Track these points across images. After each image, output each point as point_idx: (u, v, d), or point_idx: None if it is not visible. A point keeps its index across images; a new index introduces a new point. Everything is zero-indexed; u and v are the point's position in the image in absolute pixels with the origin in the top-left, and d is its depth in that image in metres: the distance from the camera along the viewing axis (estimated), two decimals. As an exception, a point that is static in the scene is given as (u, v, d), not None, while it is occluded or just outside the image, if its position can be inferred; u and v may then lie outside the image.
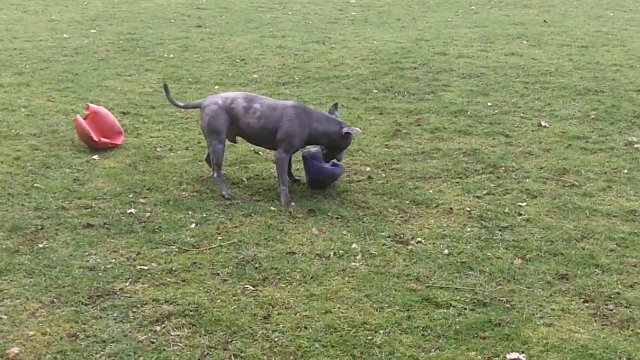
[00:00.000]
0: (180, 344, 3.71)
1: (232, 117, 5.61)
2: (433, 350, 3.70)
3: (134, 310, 4.01)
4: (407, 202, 5.49)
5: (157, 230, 4.96)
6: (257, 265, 4.53)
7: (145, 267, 4.46)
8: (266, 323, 3.91)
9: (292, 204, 5.43)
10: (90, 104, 6.77)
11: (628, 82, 8.74)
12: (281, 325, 3.89)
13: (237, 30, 12.15)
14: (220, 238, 4.87)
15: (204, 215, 5.20)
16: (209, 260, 4.58)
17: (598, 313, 4.06)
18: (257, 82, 8.92)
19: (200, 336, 3.78)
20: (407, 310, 4.06)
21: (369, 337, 3.80)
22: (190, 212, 5.24)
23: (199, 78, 9.03)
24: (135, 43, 10.98)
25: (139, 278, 4.35)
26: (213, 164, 5.68)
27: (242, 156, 6.37)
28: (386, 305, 4.11)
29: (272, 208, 5.35)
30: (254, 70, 9.46)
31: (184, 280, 4.33)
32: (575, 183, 5.83)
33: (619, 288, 4.30)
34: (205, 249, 4.72)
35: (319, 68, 9.56)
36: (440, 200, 5.50)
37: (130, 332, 3.81)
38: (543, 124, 7.24)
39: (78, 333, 3.79)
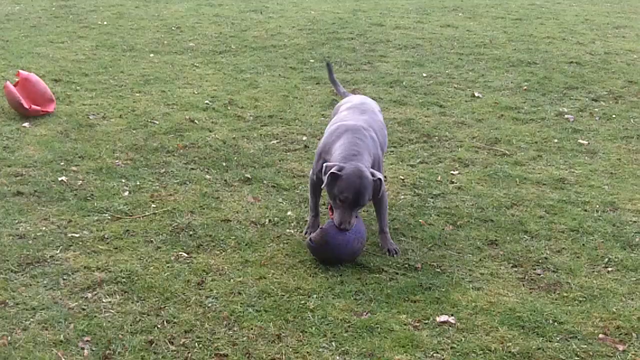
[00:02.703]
0: (112, 311, 3.68)
1: None
2: (365, 313, 3.75)
3: (64, 277, 3.95)
4: (343, 170, 5.52)
5: (89, 198, 4.88)
6: (191, 232, 4.50)
7: (77, 235, 4.39)
8: (200, 289, 3.90)
9: (308, 239, 4.26)
10: (20, 71, 6.58)
11: (560, 54, 8.93)
12: (215, 291, 3.88)
13: (174, -2, 11.95)
14: (154, 206, 4.82)
15: (138, 184, 5.14)
16: (142, 228, 4.53)
17: (526, 277, 4.17)
18: (193, 50, 8.82)
19: (132, 303, 3.75)
20: (340, 275, 4.10)
21: (303, 302, 3.83)
22: (123, 180, 5.17)
23: (133, 46, 8.88)
24: (69, 10, 10.72)
25: (70, 246, 4.28)
26: None
27: (177, 124, 6.31)
28: (320, 270, 4.14)
29: (207, 176, 5.32)
30: (190, 39, 9.35)
31: (116, 248, 4.28)
32: (507, 152, 5.95)
33: (546, 253, 4.42)
34: (139, 217, 4.67)
35: (256, 37, 9.50)
36: (375, 169, 5.55)
37: (60, 299, 3.75)
38: (476, 94, 7.36)
39: (7, 300, 3.72)
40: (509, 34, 9.94)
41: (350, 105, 4.77)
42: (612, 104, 7.22)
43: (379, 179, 4.13)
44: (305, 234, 4.49)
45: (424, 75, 7.98)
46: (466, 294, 3.95)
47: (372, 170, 4.14)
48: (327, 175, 4.05)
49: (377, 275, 4.10)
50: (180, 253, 4.25)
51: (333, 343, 3.51)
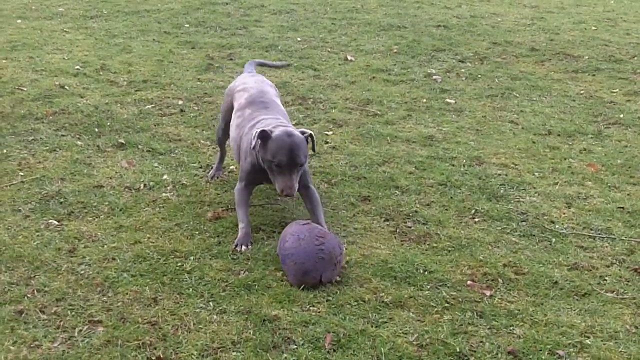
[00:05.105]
0: (-21, 282, 3.56)
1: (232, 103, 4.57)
2: (242, 272, 3.78)
3: None
4: (218, 133, 5.50)
5: (-49, 168, 4.68)
6: (62, 200, 4.39)
7: (-61, 207, 4.20)
8: (72, 257, 3.82)
9: (244, 248, 3.99)
10: None
11: (429, 18, 9.18)
12: (87, 258, 3.81)
13: (39, -39, 11.45)
14: (22, 174, 4.67)
15: (4, 152, 4.95)
16: (9, 197, 4.38)
17: (397, 230, 4.30)
18: (63, 15, 8.52)
19: (0, 273, 3.64)
20: (218, 236, 4.10)
21: (179, 264, 3.82)
22: (-12, 149, 4.98)
23: (-2, 11, 8.49)
24: None
25: None
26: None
27: (46, 91, 6.10)
28: (197, 232, 4.13)
29: (79, 143, 5.18)
30: (59, 4, 9.02)
31: (-19, 219, 4.13)
32: (378, 112, 6.10)
33: (416, 207, 4.58)
34: (6, 186, 4.50)
35: (128, 2, 9.26)
36: (251, 131, 5.56)
37: None
38: (349, 58, 7.48)
39: None
40: (380, -2, 10.14)
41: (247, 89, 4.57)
42: (477, 64, 7.51)
43: (310, 134, 4.07)
44: (236, 246, 4.00)
45: (299, 39, 8.03)
46: (340, 249, 4.04)
47: (301, 129, 4.08)
48: (256, 137, 3.92)
49: (255, 234, 4.14)
50: (50, 221, 4.14)
51: (210, 303, 3.53)
